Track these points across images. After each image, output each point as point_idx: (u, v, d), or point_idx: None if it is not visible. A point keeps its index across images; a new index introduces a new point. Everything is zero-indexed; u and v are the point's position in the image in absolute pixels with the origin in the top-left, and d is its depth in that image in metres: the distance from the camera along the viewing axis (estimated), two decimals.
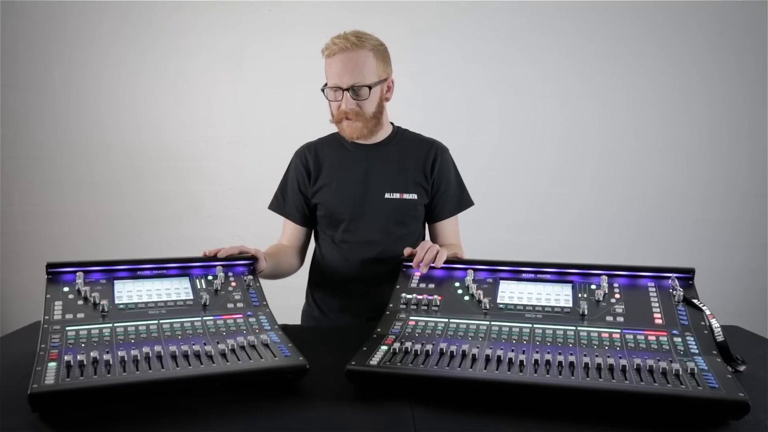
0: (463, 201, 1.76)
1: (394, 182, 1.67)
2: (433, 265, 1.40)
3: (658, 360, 1.03)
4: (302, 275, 1.80)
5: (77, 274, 1.25)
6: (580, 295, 1.26)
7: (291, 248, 1.74)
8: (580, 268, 1.32)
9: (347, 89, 1.55)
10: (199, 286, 1.30)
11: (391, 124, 1.73)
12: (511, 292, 1.30)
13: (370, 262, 1.67)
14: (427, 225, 1.78)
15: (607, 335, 1.15)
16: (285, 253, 1.71)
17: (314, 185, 1.70)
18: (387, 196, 1.66)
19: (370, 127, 1.62)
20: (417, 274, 1.40)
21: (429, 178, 1.70)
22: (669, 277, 1.27)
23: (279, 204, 1.77)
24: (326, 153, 1.72)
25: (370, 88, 1.56)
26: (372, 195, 1.66)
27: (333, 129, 1.71)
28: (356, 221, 1.66)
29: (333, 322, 1.71)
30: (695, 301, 1.21)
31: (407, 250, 1.47)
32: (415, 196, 1.67)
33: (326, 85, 1.60)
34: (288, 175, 1.77)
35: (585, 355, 1.06)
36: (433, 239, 1.77)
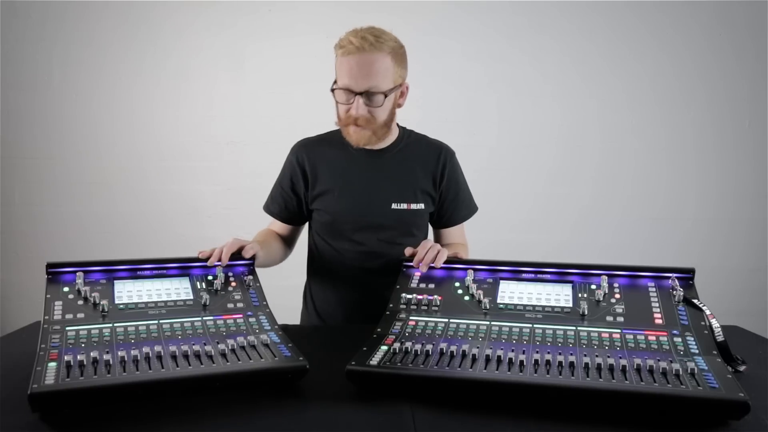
0: (472, 206, 1.73)
1: (401, 192, 1.59)
2: (432, 265, 1.39)
3: (658, 360, 1.03)
4: (301, 275, 1.79)
5: (77, 274, 1.25)
6: (580, 295, 1.26)
7: (279, 236, 1.69)
8: (580, 268, 1.32)
9: (360, 94, 1.45)
10: (199, 287, 1.30)
11: (397, 125, 1.65)
12: (511, 292, 1.30)
13: (375, 272, 1.60)
14: (432, 228, 1.73)
15: (607, 335, 1.15)
16: (274, 239, 1.65)
17: (313, 189, 1.62)
18: (394, 206, 1.58)
19: (380, 135, 1.54)
20: (417, 274, 1.40)
21: (438, 186, 1.63)
22: (669, 277, 1.27)
23: (267, 204, 1.71)
24: (326, 154, 1.63)
25: (385, 95, 1.46)
26: (378, 205, 1.58)
27: (333, 126, 1.68)
28: (360, 232, 1.59)
29: None
30: (695, 301, 1.21)
31: (408, 250, 1.44)
32: (422, 206, 1.61)
33: (335, 83, 1.49)
34: (282, 173, 1.69)
35: (585, 355, 1.06)
36: (442, 243, 1.71)
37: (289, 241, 1.73)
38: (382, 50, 1.45)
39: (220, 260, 1.35)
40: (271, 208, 1.70)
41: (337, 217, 1.60)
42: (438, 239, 1.74)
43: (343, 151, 1.62)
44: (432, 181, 1.63)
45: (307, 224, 1.74)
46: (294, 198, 1.66)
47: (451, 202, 1.67)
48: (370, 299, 1.59)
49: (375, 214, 1.59)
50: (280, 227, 1.71)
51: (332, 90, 1.50)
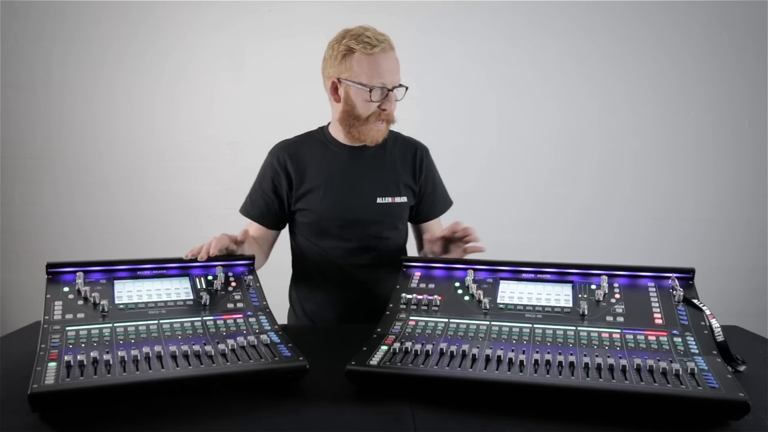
0: (447, 200, 1.75)
1: (385, 186, 1.62)
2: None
3: (658, 360, 1.03)
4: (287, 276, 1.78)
5: (77, 274, 1.25)
6: (580, 295, 1.26)
7: (257, 242, 1.65)
8: (580, 268, 1.31)
9: (392, 89, 1.50)
10: (199, 286, 1.30)
11: None
12: (511, 292, 1.30)
13: (364, 268, 1.62)
14: (411, 225, 1.74)
15: (607, 335, 1.15)
16: (255, 241, 1.62)
17: (298, 190, 1.61)
18: (379, 200, 1.60)
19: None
20: (417, 274, 1.40)
21: (417, 180, 1.66)
22: (669, 277, 1.27)
23: (246, 206, 1.68)
24: (307, 154, 1.63)
25: (406, 88, 1.54)
26: (363, 200, 1.60)
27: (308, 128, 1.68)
28: (348, 228, 1.60)
29: None
30: (695, 301, 1.21)
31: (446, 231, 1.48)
32: (405, 199, 1.64)
33: (357, 81, 1.49)
34: (261, 175, 1.67)
35: (585, 355, 1.06)
36: (422, 238, 1.72)
37: (266, 248, 1.69)
38: (394, 48, 1.53)
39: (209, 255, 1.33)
40: (251, 212, 1.67)
41: (322, 215, 1.60)
42: (419, 235, 1.75)
43: (323, 150, 1.64)
44: (412, 175, 1.66)
45: (281, 232, 1.71)
46: (276, 201, 1.64)
47: (428, 196, 1.69)
48: (360, 296, 1.62)
49: (361, 209, 1.60)
50: (258, 231, 1.66)
51: (370, 90, 1.48)
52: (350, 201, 1.60)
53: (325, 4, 3.02)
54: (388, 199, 1.61)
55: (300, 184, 1.62)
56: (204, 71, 3.10)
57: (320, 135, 1.67)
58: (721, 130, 3.14)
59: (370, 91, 1.49)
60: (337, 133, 1.63)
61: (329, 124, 1.68)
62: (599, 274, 1.29)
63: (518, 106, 3.13)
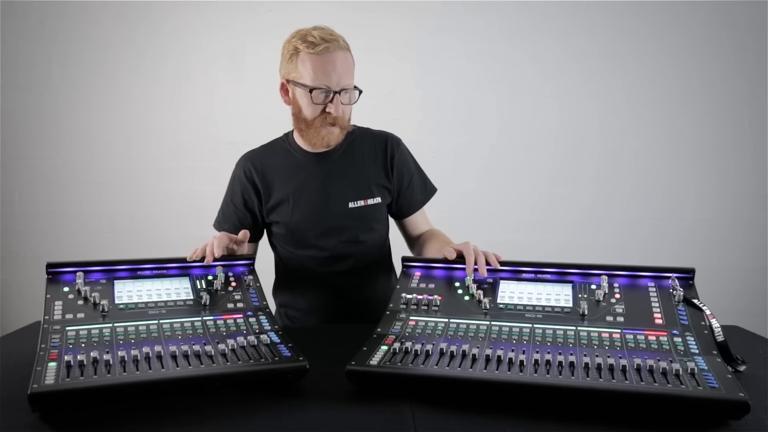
0: (427, 189, 1.68)
1: (356, 189, 1.56)
2: (490, 267, 1.31)
3: (658, 360, 1.03)
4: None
5: (77, 274, 1.25)
6: (580, 295, 1.26)
7: None
8: (580, 268, 1.31)
9: (338, 92, 1.42)
10: (199, 286, 1.30)
11: None
12: (511, 292, 1.30)
13: (343, 274, 1.59)
14: (395, 221, 1.70)
15: (607, 335, 1.15)
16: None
17: (267, 202, 1.57)
18: (351, 205, 1.56)
19: (345, 134, 1.52)
20: (417, 274, 1.40)
21: (390, 176, 1.60)
22: (669, 277, 1.27)
23: (219, 222, 1.64)
24: (273, 163, 1.59)
25: (359, 91, 1.46)
26: (335, 207, 1.55)
27: (275, 135, 1.65)
28: (322, 237, 1.56)
29: None
30: (695, 301, 1.21)
31: (449, 253, 1.35)
32: (379, 200, 1.59)
33: (300, 83, 1.43)
34: (231, 189, 1.63)
35: (585, 355, 1.06)
36: (409, 232, 1.69)
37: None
38: (346, 47, 1.46)
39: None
40: (224, 227, 1.61)
41: (296, 227, 1.57)
42: (407, 230, 1.70)
43: (289, 158, 1.59)
44: (384, 172, 1.60)
45: (259, 243, 1.69)
46: (248, 215, 1.61)
47: (405, 190, 1.63)
48: (341, 302, 1.60)
49: (334, 217, 1.56)
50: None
51: (310, 91, 1.42)
52: (321, 210, 1.55)
53: (325, 4, 3.01)
54: (360, 203, 1.56)
55: (268, 196, 1.58)
56: (204, 71, 3.10)
57: (284, 142, 1.62)
58: (721, 130, 3.14)
59: (311, 92, 1.42)
60: (300, 139, 1.58)
61: (294, 129, 1.61)
62: (599, 274, 1.29)
63: (518, 106, 3.13)
